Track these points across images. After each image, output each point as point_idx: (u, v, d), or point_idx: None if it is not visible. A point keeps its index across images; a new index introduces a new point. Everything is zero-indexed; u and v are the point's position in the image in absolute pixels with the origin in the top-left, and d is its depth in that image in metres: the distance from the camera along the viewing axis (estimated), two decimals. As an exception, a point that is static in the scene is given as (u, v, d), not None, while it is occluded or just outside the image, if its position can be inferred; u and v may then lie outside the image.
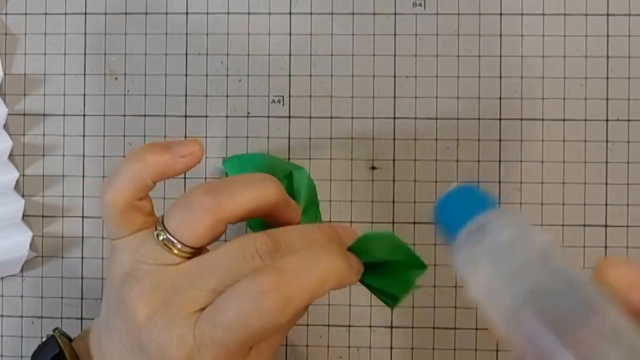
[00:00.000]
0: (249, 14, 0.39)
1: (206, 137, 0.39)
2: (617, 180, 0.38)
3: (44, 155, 0.40)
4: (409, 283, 0.30)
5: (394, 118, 0.38)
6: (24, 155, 0.40)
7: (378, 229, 0.38)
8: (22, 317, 0.39)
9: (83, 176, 0.39)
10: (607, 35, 0.38)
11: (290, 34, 0.39)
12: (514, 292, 0.23)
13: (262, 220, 0.31)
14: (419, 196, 0.38)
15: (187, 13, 0.39)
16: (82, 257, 0.39)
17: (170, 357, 0.27)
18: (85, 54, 0.40)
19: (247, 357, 0.28)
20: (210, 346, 0.26)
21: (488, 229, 0.24)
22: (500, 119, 0.38)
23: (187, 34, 0.39)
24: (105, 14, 0.40)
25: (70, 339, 0.32)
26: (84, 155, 0.39)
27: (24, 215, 0.39)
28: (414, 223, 0.38)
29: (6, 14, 0.40)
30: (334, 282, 0.28)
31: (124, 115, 0.39)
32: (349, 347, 0.38)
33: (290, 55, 0.39)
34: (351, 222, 0.38)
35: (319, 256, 0.27)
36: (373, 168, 0.38)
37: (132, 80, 0.39)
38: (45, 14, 0.40)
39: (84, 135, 0.40)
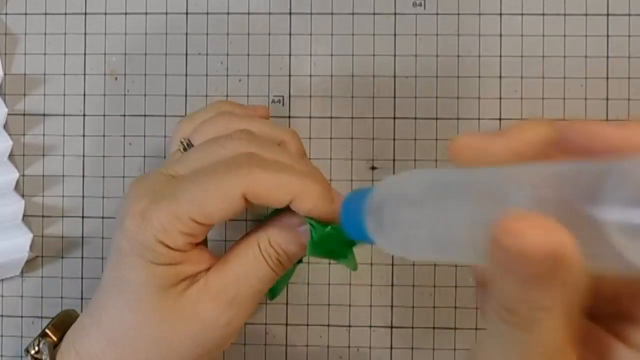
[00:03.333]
0: (249, 14, 0.39)
1: (206, 137, 0.39)
2: (617, 180, 0.38)
3: (44, 155, 0.40)
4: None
5: (394, 118, 0.38)
6: (24, 155, 0.40)
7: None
8: (22, 317, 0.39)
9: (83, 176, 0.39)
10: (607, 35, 0.38)
11: (290, 34, 0.39)
12: (459, 214, 0.22)
13: None
14: (419, 196, 0.38)
15: (187, 13, 0.39)
16: (82, 257, 0.39)
17: (126, 210, 0.29)
18: (85, 54, 0.40)
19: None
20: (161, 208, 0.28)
21: (381, 202, 0.25)
22: (500, 119, 0.38)
23: (187, 34, 0.39)
24: (105, 14, 0.40)
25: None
26: (84, 155, 0.39)
27: (24, 216, 0.39)
28: (414, 223, 0.38)
29: (6, 14, 0.40)
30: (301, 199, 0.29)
31: (124, 115, 0.39)
32: (349, 347, 0.38)
33: (290, 55, 0.39)
34: (351, 222, 0.38)
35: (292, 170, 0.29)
36: (373, 168, 0.38)
37: (132, 80, 0.39)
38: (45, 14, 0.40)
39: (84, 135, 0.40)
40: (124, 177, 0.39)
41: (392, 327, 0.38)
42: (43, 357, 0.31)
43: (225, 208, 0.28)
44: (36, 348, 0.32)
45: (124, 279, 0.29)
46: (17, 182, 0.39)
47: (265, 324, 0.39)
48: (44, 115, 0.40)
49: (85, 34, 0.40)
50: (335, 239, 0.29)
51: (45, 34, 0.40)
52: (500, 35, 0.38)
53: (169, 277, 0.29)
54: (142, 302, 0.29)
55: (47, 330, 0.33)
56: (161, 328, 0.29)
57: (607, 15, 0.38)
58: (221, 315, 0.29)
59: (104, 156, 0.39)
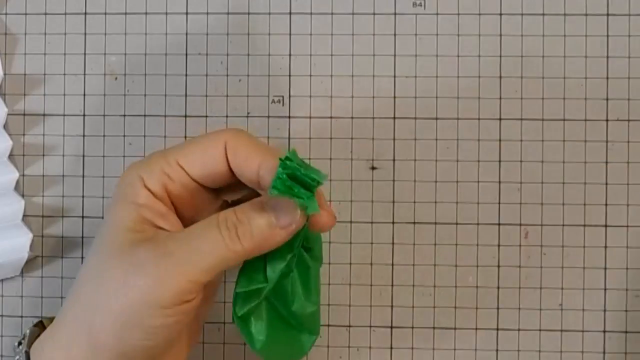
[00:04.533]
0: (249, 14, 0.39)
1: (206, 137, 0.39)
2: (617, 180, 0.38)
3: (44, 155, 0.40)
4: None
5: (394, 118, 0.38)
6: (24, 155, 0.40)
7: (377, 230, 0.38)
8: (22, 317, 0.39)
9: (83, 176, 0.39)
10: (607, 35, 0.38)
11: (290, 34, 0.39)
12: None
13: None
14: (419, 196, 0.38)
15: (187, 13, 0.39)
16: (82, 257, 0.39)
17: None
18: (85, 54, 0.40)
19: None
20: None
21: None
22: (500, 119, 0.38)
23: (187, 34, 0.39)
24: (105, 14, 0.40)
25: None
26: (84, 155, 0.39)
27: (24, 216, 0.39)
28: (414, 223, 0.38)
29: (6, 14, 0.40)
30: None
31: (124, 115, 0.39)
32: (349, 347, 0.38)
33: (290, 55, 0.39)
34: (351, 222, 0.38)
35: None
36: (373, 168, 0.38)
37: (132, 80, 0.39)
38: (45, 14, 0.40)
39: (84, 135, 0.40)
40: (124, 177, 0.39)
41: (392, 327, 0.38)
42: (23, 342, 0.32)
43: (209, 156, 0.31)
44: (24, 332, 0.32)
45: (103, 225, 0.31)
46: (17, 182, 0.39)
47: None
48: (44, 115, 0.40)
49: (85, 34, 0.40)
50: (300, 181, 0.29)
51: (45, 34, 0.40)
52: (500, 35, 0.38)
53: (130, 218, 0.30)
54: (102, 239, 0.30)
55: (43, 320, 0.33)
56: (108, 269, 0.29)
57: (607, 15, 0.38)
58: (165, 273, 0.28)
59: (104, 156, 0.39)
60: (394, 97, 0.38)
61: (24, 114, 0.40)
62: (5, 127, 0.39)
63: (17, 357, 0.31)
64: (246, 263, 0.31)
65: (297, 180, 0.29)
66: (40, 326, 0.33)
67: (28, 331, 0.32)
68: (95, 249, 0.31)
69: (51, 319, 0.32)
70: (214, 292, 0.35)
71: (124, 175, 0.31)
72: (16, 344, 0.32)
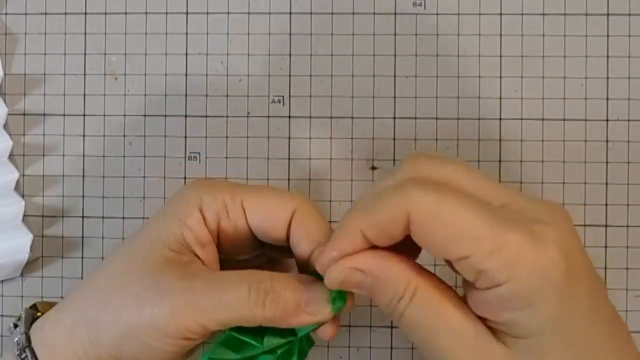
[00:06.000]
0: (249, 14, 0.39)
1: (206, 137, 0.39)
2: (617, 180, 0.38)
3: (44, 155, 0.40)
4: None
5: (394, 118, 0.38)
6: (24, 155, 0.40)
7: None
8: (22, 317, 0.39)
9: (83, 176, 0.39)
10: (607, 35, 0.38)
11: (290, 34, 0.39)
12: None
13: None
14: (419, 196, 0.38)
15: (187, 13, 0.39)
16: (82, 257, 0.39)
17: None
18: (85, 54, 0.40)
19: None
20: None
21: None
22: (500, 119, 0.38)
23: (187, 33, 0.39)
24: (105, 13, 0.40)
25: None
26: (84, 155, 0.39)
27: (24, 216, 0.39)
28: (414, 223, 0.38)
29: (6, 14, 0.40)
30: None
31: (124, 115, 0.39)
32: (349, 347, 0.38)
33: (290, 55, 0.39)
34: (351, 222, 0.38)
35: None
36: (373, 168, 0.38)
37: (132, 80, 0.39)
38: (45, 14, 0.40)
39: (84, 135, 0.40)
40: (124, 177, 0.39)
41: (392, 327, 0.38)
42: (20, 324, 0.32)
43: (274, 214, 0.31)
44: (20, 314, 0.33)
45: (143, 230, 0.31)
46: (17, 182, 0.39)
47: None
48: (44, 115, 0.40)
49: (85, 34, 0.40)
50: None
51: (45, 34, 0.40)
52: (500, 35, 0.38)
53: (170, 231, 0.30)
54: (143, 251, 0.30)
55: (37, 304, 0.33)
56: (126, 274, 0.30)
57: (607, 15, 0.38)
58: (179, 309, 0.28)
59: (104, 156, 0.39)
60: (394, 97, 0.38)
61: (24, 114, 0.40)
62: (5, 127, 0.39)
63: (16, 338, 0.31)
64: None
65: None
66: (34, 309, 0.33)
67: (23, 313, 0.32)
68: (125, 250, 0.31)
69: (48, 303, 0.33)
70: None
71: (184, 190, 0.31)
72: (12, 324, 0.32)
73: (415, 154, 0.28)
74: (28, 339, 0.31)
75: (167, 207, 0.31)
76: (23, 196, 0.39)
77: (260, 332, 0.30)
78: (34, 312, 0.33)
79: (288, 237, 0.31)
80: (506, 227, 0.25)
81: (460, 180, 0.27)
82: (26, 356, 0.30)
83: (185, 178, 0.39)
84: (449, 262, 0.27)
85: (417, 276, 0.27)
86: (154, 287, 0.29)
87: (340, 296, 0.29)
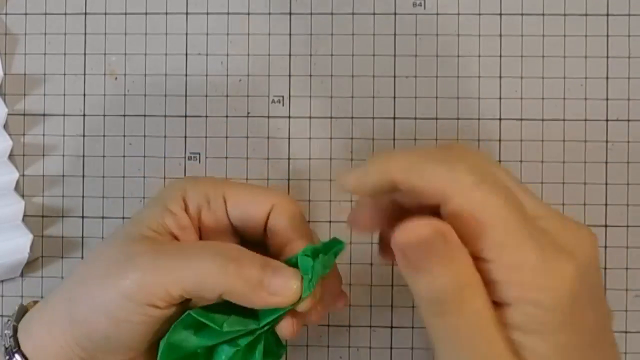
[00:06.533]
0: (249, 14, 0.39)
1: (206, 137, 0.39)
2: (617, 180, 0.38)
3: (44, 155, 0.40)
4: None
5: (394, 118, 0.38)
6: (24, 155, 0.40)
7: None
8: (22, 317, 0.39)
9: (83, 176, 0.39)
10: (607, 35, 0.38)
11: (290, 34, 0.39)
12: None
13: None
14: (419, 196, 0.38)
15: (187, 13, 0.39)
16: (82, 257, 0.39)
17: None
18: (85, 54, 0.40)
19: None
20: None
21: None
22: (500, 119, 0.38)
23: (187, 34, 0.39)
24: (105, 14, 0.40)
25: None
26: (84, 155, 0.39)
27: (24, 216, 0.39)
28: (414, 223, 0.38)
29: (6, 14, 0.40)
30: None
31: (124, 115, 0.39)
32: (349, 347, 0.38)
33: (290, 55, 0.39)
34: (351, 222, 0.38)
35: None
36: (373, 168, 0.38)
37: (132, 80, 0.39)
38: (45, 14, 0.40)
39: (84, 135, 0.40)
40: (124, 177, 0.39)
41: (392, 327, 0.38)
42: (11, 318, 0.32)
43: (253, 207, 0.32)
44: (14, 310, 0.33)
45: (124, 222, 0.32)
46: (17, 182, 0.39)
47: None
48: (44, 115, 0.40)
49: (85, 34, 0.40)
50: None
51: (45, 34, 0.40)
52: (500, 35, 0.38)
53: (162, 222, 0.31)
54: (124, 232, 0.31)
55: (32, 301, 0.34)
56: (108, 253, 0.30)
57: (607, 15, 0.38)
58: (152, 275, 0.29)
59: (104, 156, 0.39)
60: (394, 97, 0.38)
61: (24, 114, 0.40)
62: (5, 127, 0.39)
63: (6, 331, 0.32)
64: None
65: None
66: (31, 304, 0.33)
67: (17, 307, 0.33)
68: (108, 237, 0.32)
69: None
70: None
71: (172, 182, 0.33)
72: (6, 320, 0.33)
73: (466, 148, 0.27)
74: (15, 330, 0.31)
75: (153, 197, 0.33)
76: (23, 196, 0.39)
77: (221, 319, 0.30)
78: (27, 307, 0.33)
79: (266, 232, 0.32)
80: (532, 246, 0.24)
81: (506, 181, 0.26)
82: (10, 345, 0.31)
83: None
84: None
85: (478, 278, 0.24)
86: (124, 256, 0.29)
87: (309, 284, 0.29)
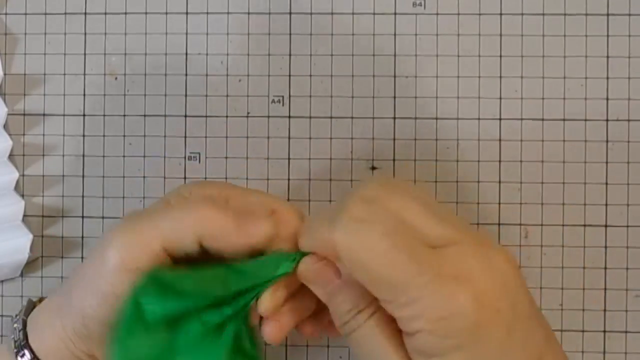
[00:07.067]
0: (249, 14, 0.39)
1: (206, 137, 0.39)
2: (617, 180, 0.38)
3: (44, 155, 0.40)
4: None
5: (394, 118, 0.38)
6: (24, 155, 0.40)
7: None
8: (22, 317, 0.39)
9: (83, 176, 0.39)
10: (607, 35, 0.38)
11: (290, 34, 0.39)
12: None
13: None
14: (419, 196, 0.38)
15: (187, 13, 0.39)
16: (82, 257, 0.39)
17: None
18: (85, 54, 0.40)
19: None
20: None
21: None
22: (500, 119, 0.38)
23: (187, 34, 0.39)
24: (105, 13, 0.40)
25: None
26: (84, 155, 0.39)
27: (24, 216, 0.39)
28: (414, 223, 0.38)
29: (6, 14, 0.40)
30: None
31: (124, 115, 0.39)
32: (349, 346, 0.38)
33: (290, 55, 0.39)
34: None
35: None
36: (373, 168, 0.38)
37: (132, 80, 0.39)
38: (45, 14, 0.40)
39: (84, 135, 0.40)
40: (124, 177, 0.39)
41: (392, 327, 0.38)
42: (20, 313, 0.33)
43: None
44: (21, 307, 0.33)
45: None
46: (17, 182, 0.39)
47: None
48: (44, 115, 0.40)
49: (85, 34, 0.40)
50: None
51: (45, 34, 0.40)
52: (500, 35, 0.38)
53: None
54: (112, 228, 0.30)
55: (40, 298, 0.34)
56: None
57: (607, 15, 0.38)
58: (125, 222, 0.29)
59: (104, 156, 0.39)
60: (394, 97, 0.38)
61: (24, 114, 0.40)
62: (5, 127, 0.39)
63: (15, 324, 0.32)
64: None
65: None
66: (38, 301, 0.34)
67: (26, 303, 0.33)
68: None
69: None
70: None
71: (180, 185, 0.32)
72: (14, 315, 0.33)
73: (371, 180, 0.30)
74: (24, 324, 0.32)
75: (160, 198, 0.33)
76: (23, 196, 0.39)
77: (188, 278, 0.29)
78: (35, 303, 0.33)
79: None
80: (426, 280, 0.25)
81: (407, 213, 0.27)
82: (19, 339, 0.31)
83: (185, 178, 0.39)
84: None
85: (378, 303, 0.27)
86: (109, 234, 0.29)
87: (288, 259, 0.29)
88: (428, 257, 0.26)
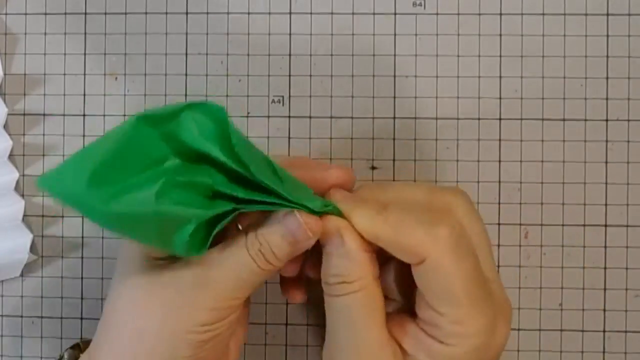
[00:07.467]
0: (249, 14, 0.39)
1: (206, 137, 0.39)
2: (617, 180, 0.38)
3: (44, 155, 0.40)
4: None
5: (394, 118, 0.38)
6: (24, 155, 0.40)
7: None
8: (22, 317, 0.39)
9: (83, 176, 0.39)
10: (607, 35, 0.38)
11: (290, 34, 0.39)
12: None
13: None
14: (419, 196, 0.38)
15: (187, 13, 0.39)
16: (82, 257, 0.39)
17: None
18: (85, 54, 0.40)
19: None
20: None
21: None
22: (500, 119, 0.38)
23: (187, 34, 0.39)
24: (105, 14, 0.40)
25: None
26: (84, 155, 0.39)
27: (24, 216, 0.39)
28: (414, 223, 0.38)
29: (6, 14, 0.40)
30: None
31: (124, 115, 0.39)
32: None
33: (290, 55, 0.39)
34: (351, 222, 0.38)
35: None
36: (373, 168, 0.38)
37: (132, 80, 0.39)
38: (45, 14, 0.40)
39: (84, 135, 0.40)
40: (124, 177, 0.39)
41: (392, 327, 0.38)
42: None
43: None
44: (62, 354, 0.33)
45: (121, 258, 0.30)
46: (17, 182, 0.39)
47: (265, 324, 0.39)
48: (44, 115, 0.40)
49: (85, 34, 0.40)
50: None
51: (45, 34, 0.40)
52: (500, 35, 0.38)
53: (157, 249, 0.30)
54: (129, 270, 0.30)
55: (80, 342, 0.33)
56: (140, 294, 0.29)
57: (607, 15, 0.38)
58: (199, 290, 0.29)
59: (104, 156, 0.39)
60: (394, 97, 0.38)
61: (24, 114, 0.40)
62: (5, 127, 0.39)
63: None
64: None
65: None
66: (77, 349, 0.33)
67: (66, 354, 0.33)
68: (119, 281, 0.30)
69: (88, 342, 0.32)
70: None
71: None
72: None
73: (464, 196, 0.32)
74: None
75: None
76: (23, 196, 0.39)
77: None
78: (76, 354, 0.33)
79: None
80: (487, 319, 0.29)
81: (476, 241, 0.30)
82: None
83: (185, 178, 0.39)
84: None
85: (374, 280, 0.29)
86: (169, 287, 0.29)
87: (322, 202, 0.29)
88: (488, 296, 0.29)
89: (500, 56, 0.38)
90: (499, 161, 0.38)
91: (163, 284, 0.29)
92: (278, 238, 0.29)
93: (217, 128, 0.26)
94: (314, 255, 0.31)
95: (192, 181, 0.27)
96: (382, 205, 0.29)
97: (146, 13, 0.39)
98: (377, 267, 0.30)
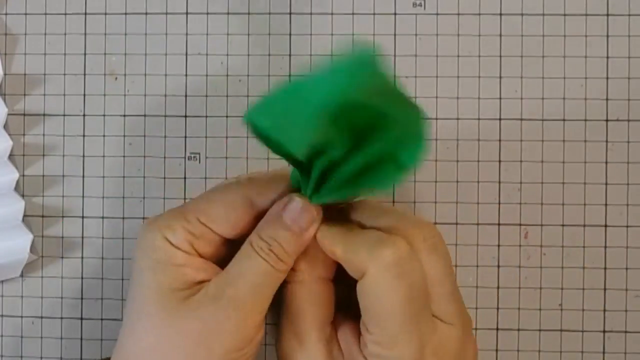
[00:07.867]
0: (248, 14, 0.39)
1: (206, 137, 0.39)
2: (617, 180, 0.38)
3: (44, 155, 0.40)
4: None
5: (394, 118, 0.38)
6: (24, 155, 0.40)
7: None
8: (22, 317, 0.39)
9: (83, 176, 0.39)
10: (607, 35, 0.38)
11: (290, 34, 0.39)
12: None
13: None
14: (418, 196, 0.38)
15: (187, 13, 0.39)
16: (82, 257, 0.39)
17: None
18: (85, 54, 0.40)
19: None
20: None
21: None
22: (500, 119, 0.38)
23: (187, 34, 0.39)
24: (105, 14, 0.40)
25: None
26: (84, 155, 0.39)
27: (24, 216, 0.39)
28: (414, 223, 0.38)
29: (6, 14, 0.40)
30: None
31: (124, 115, 0.39)
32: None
33: (290, 55, 0.39)
34: (351, 222, 0.38)
35: None
36: (373, 168, 0.38)
37: (132, 80, 0.39)
38: (45, 14, 0.40)
39: (84, 135, 0.40)
40: (124, 177, 0.39)
41: (392, 327, 0.38)
42: None
43: (228, 211, 0.31)
44: None
45: (133, 285, 0.30)
46: (17, 182, 0.39)
47: (266, 323, 0.39)
48: (44, 115, 0.40)
49: (85, 34, 0.40)
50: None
51: (45, 34, 0.40)
52: (500, 35, 0.38)
53: (172, 280, 0.30)
54: (146, 304, 0.29)
55: None
56: (163, 330, 0.29)
57: (607, 15, 0.38)
58: (221, 313, 0.29)
59: (103, 156, 0.39)
60: (394, 97, 0.38)
61: (24, 114, 0.40)
62: (5, 127, 0.39)
63: None
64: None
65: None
66: None
67: None
68: (137, 316, 0.30)
69: None
70: None
71: (145, 238, 0.30)
72: None
73: (429, 225, 0.32)
74: None
75: (145, 262, 0.30)
76: (23, 196, 0.39)
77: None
78: None
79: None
80: (414, 347, 0.29)
81: (432, 276, 0.30)
82: None
83: (185, 178, 0.39)
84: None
85: (320, 280, 0.31)
86: (201, 323, 0.29)
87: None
88: (427, 326, 0.29)
89: (500, 56, 0.38)
90: (499, 161, 0.38)
91: (185, 318, 0.29)
92: (284, 232, 0.29)
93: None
94: (310, 253, 0.31)
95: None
96: (349, 227, 0.30)
97: (146, 13, 0.39)
98: (330, 270, 0.31)
